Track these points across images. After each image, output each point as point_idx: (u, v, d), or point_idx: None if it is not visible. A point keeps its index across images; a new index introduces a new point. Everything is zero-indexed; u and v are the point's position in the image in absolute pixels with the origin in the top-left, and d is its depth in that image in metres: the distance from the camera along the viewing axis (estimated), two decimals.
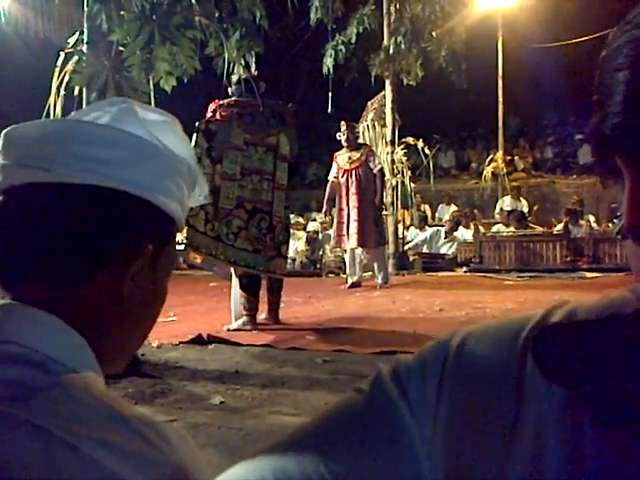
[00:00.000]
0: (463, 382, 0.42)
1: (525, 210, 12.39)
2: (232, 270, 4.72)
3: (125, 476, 0.50)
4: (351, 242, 7.58)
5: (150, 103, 3.76)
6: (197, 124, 4.41)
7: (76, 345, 0.62)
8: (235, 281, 4.72)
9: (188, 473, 0.54)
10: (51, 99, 4.05)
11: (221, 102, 4.59)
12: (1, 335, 0.59)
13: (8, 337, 0.58)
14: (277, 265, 4.61)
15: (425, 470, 0.40)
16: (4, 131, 0.66)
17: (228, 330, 4.55)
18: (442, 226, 11.78)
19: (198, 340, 4.19)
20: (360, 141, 8.35)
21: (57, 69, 3.95)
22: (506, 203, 12.79)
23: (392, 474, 0.41)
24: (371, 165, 7.55)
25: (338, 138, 7.72)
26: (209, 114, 4.54)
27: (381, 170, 7.68)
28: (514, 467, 0.37)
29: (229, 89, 4.68)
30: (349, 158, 7.60)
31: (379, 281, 7.77)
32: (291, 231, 5.32)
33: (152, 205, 0.67)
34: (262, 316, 4.88)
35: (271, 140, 4.57)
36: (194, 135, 4.34)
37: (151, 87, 3.64)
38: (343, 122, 7.75)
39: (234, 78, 4.57)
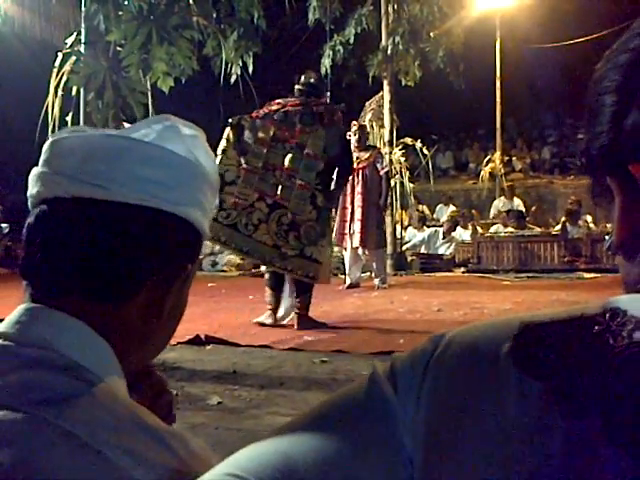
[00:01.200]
0: (445, 369, 0.45)
1: (521, 210, 12.40)
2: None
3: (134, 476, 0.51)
4: (354, 241, 7.60)
5: (147, 103, 3.76)
6: (230, 120, 4.56)
7: (104, 353, 0.63)
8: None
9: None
10: (49, 99, 4.05)
11: (272, 102, 4.73)
12: (33, 338, 0.60)
13: (40, 341, 0.59)
14: (297, 265, 4.51)
15: (409, 454, 0.43)
16: (51, 140, 0.66)
17: (257, 323, 4.72)
18: (440, 226, 11.78)
19: (196, 340, 4.18)
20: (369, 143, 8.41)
21: (55, 69, 3.95)
22: (501, 204, 12.81)
23: (385, 464, 0.44)
24: (378, 167, 7.59)
25: (348, 138, 7.77)
26: (255, 112, 4.69)
27: (387, 173, 7.73)
28: (484, 449, 0.40)
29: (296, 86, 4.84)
30: (357, 158, 7.63)
31: (377, 282, 7.78)
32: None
33: (193, 226, 0.68)
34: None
35: (301, 138, 4.56)
36: (226, 130, 4.54)
37: (149, 87, 3.64)
38: (355, 122, 7.79)
39: (303, 78, 4.77)
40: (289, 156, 4.52)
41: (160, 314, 0.67)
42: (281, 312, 4.82)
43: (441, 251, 11.12)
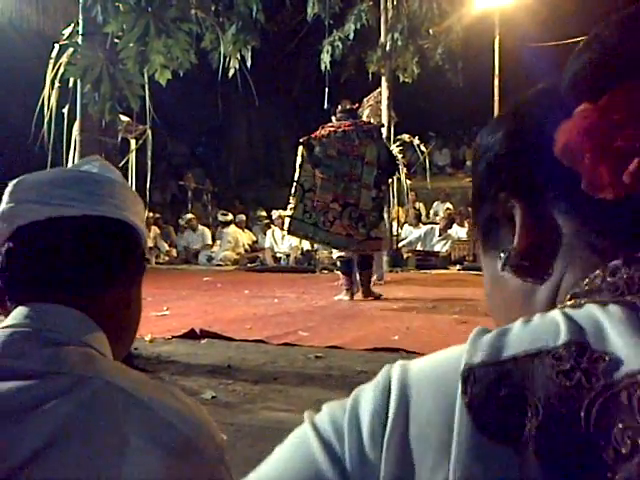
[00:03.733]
0: (406, 429, 0.39)
1: None
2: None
3: (173, 423, 0.66)
4: None
5: (144, 96, 3.74)
6: (301, 140, 5.95)
7: (101, 337, 0.78)
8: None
9: (210, 426, 0.71)
10: (45, 91, 4.02)
11: (325, 125, 6.14)
12: (46, 326, 0.73)
13: (53, 327, 0.73)
14: (367, 245, 6.00)
15: None
16: (13, 183, 0.83)
17: (337, 299, 6.09)
18: (436, 224, 11.78)
19: (191, 334, 4.18)
20: None
21: (52, 61, 3.93)
22: None
23: None
24: None
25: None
26: (317, 133, 6.02)
27: None
28: None
29: (332, 117, 6.25)
30: None
31: (374, 278, 7.78)
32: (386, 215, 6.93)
33: (137, 231, 0.86)
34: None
35: (359, 150, 5.94)
36: (299, 147, 5.92)
37: (146, 80, 3.62)
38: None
39: (340, 107, 6.22)
40: (353, 165, 5.90)
41: (129, 304, 0.84)
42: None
43: (437, 248, 11.13)
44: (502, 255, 0.48)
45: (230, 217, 12.69)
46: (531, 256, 0.46)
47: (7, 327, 0.73)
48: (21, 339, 0.71)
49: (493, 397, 0.37)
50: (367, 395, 0.42)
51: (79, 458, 0.62)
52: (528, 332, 0.39)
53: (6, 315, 0.78)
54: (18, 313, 0.75)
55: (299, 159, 5.93)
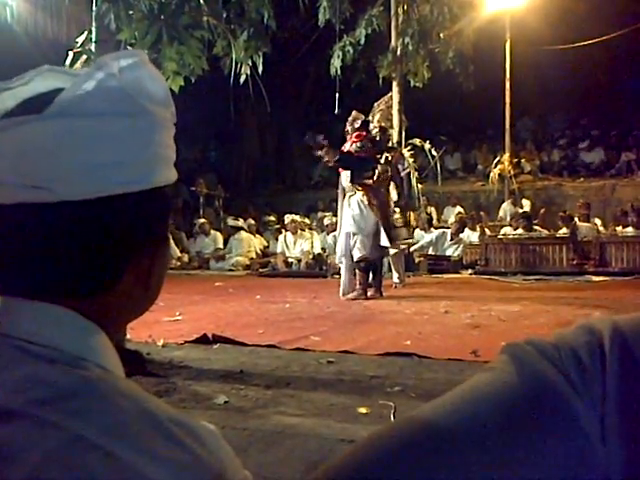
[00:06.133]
0: (629, 377, 0.35)
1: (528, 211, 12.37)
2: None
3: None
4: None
5: None
6: (335, 157, 6.77)
7: (99, 339, 0.58)
8: (344, 266, 6.99)
9: (226, 476, 0.51)
10: None
11: (349, 139, 6.94)
12: (23, 331, 0.54)
13: (31, 335, 0.54)
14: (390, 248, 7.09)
15: (601, 456, 0.33)
16: None
17: (347, 299, 6.63)
18: (448, 228, 11.75)
19: (203, 339, 4.19)
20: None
21: (65, 68, 3.96)
22: (509, 207, 12.78)
23: (568, 470, 0.34)
24: (400, 168, 7.62)
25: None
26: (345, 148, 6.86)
27: (409, 174, 7.77)
28: None
29: (348, 127, 7.04)
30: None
31: (396, 281, 7.82)
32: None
33: (159, 189, 0.61)
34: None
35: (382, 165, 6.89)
36: (335, 164, 6.88)
37: None
38: (375, 125, 7.78)
39: (357, 123, 7.02)
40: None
41: (148, 285, 0.62)
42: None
43: (449, 252, 11.09)
44: None
45: (240, 223, 12.72)
46: None
47: None
48: None
49: None
50: (573, 336, 0.37)
51: None
52: None
53: None
54: None
55: (343, 175, 6.88)
